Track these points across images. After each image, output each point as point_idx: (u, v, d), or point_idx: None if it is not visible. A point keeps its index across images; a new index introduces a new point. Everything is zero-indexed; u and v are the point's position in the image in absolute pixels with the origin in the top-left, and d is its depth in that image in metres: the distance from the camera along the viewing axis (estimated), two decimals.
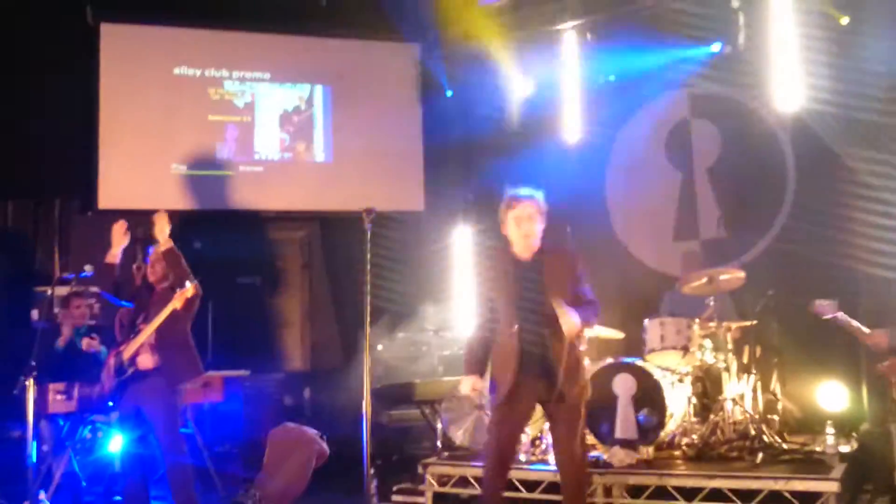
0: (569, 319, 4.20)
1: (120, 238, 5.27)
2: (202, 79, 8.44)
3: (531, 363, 4.35)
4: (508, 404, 4.37)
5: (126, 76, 8.14)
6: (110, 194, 7.96)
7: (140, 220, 7.94)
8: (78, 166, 8.01)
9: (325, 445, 1.43)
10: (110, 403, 5.23)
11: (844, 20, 6.64)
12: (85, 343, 6.50)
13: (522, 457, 5.77)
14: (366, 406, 4.36)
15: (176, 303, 4.89)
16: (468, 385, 4.48)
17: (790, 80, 6.84)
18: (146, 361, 4.96)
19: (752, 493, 4.95)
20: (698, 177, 7.67)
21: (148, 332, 4.94)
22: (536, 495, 5.48)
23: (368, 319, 4.53)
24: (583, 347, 4.55)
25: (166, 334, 5.00)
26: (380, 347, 7.75)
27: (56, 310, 6.79)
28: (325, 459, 1.41)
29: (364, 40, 8.71)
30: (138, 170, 8.10)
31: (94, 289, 6.84)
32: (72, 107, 8.02)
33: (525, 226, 4.44)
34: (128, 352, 5.01)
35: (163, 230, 5.23)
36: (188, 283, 4.93)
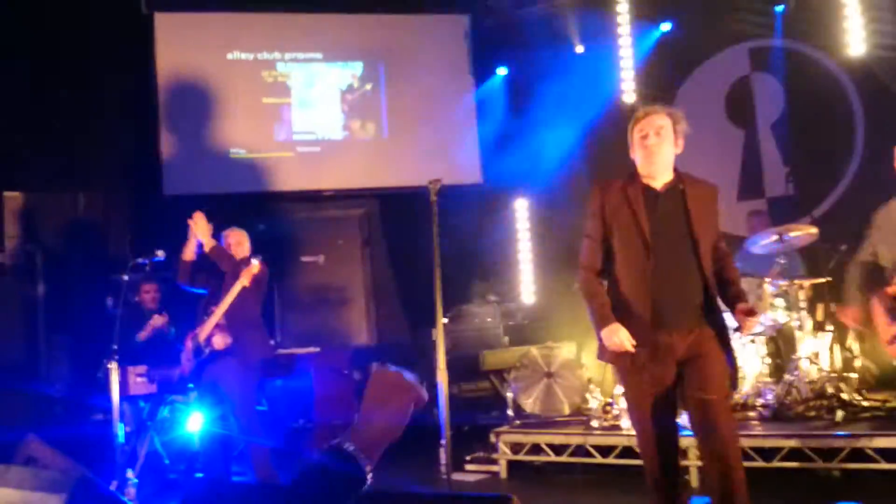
0: (752, 322, 3.49)
1: (202, 232, 5.27)
2: (255, 62, 8.53)
3: (668, 316, 3.49)
4: (643, 369, 3.52)
5: (182, 64, 8.28)
6: (174, 181, 8.13)
7: (203, 205, 8.17)
8: (142, 156, 8.21)
9: (423, 391, 1.43)
10: (190, 385, 5.37)
11: None
12: (155, 319, 6.67)
13: (595, 422, 5.77)
14: (441, 377, 4.36)
15: (244, 280, 4.99)
16: (624, 336, 3.47)
17: (853, 26, 6.63)
18: (220, 342, 5.08)
19: (833, 452, 4.86)
20: (762, 134, 7.50)
21: (220, 311, 5.05)
22: (611, 460, 5.48)
23: (440, 293, 4.47)
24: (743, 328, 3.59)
25: (236, 314, 5.10)
26: (445, 320, 7.79)
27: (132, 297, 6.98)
28: (423, 405, 1.42)
29: (413, 14, 8.68)
30: (199, 156, 8.25)
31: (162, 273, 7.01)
32: (133, 97, 8.21)
33: (652, 140, 3.54)
34: (203, 333, 5.14)
35: (204, 231, 5.25)
36: (254, 261, 5.02)
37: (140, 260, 5.49)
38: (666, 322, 3.49)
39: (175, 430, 6.67)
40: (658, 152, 3.56)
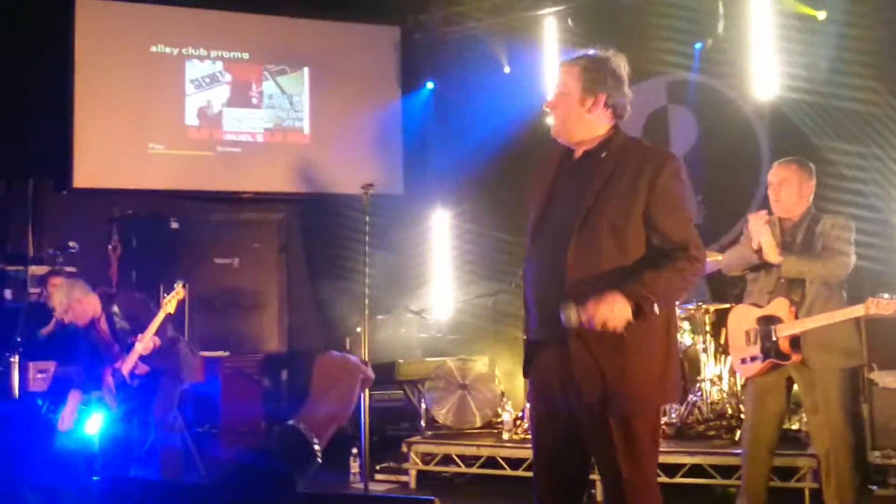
0: (568, 307, 2.52)
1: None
2: (179, 57, 8.35)
3: (544, 327, 2.72)
4: (534, 388, 2.86)
5: (102, 53, 8.02)
6: (86, 173, 7.86)
7: (116, 200, 7.92)
8: (52, 145, 7.89)
9: (369, 371, 1.38)
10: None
11: (821, 15, 6.80)
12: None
13: (506, 435, 5.86)
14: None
15: (169, 307, 4.90)
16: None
17: (767, 69, 6.99)
18: (144, 368, 4.97)
19: (731, 469, 5.09)
20: None
21: (145, 341, 4.91)
22: (521, 473, 5.56)
23: (367, 301, 4.46)
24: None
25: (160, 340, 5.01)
26: (358, 329, 7.77)
27: (32, 289, 6.69)
28: (370, 384, 1.39)
29: (343, 22, 8.68)
30: (115, 148, 8.00)
31: (71, 268, 6.75)
32: (47, 85, 7.90)
33: (552, 99, 2.86)
34: (126, 367, 5.00)
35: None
36: (178, 286, 4.94)
37: (51, 250, 5.30)
38: (543, 333, 2.74)
39: (75, 431, 6.41)
40: (556, 116, 2.85)
